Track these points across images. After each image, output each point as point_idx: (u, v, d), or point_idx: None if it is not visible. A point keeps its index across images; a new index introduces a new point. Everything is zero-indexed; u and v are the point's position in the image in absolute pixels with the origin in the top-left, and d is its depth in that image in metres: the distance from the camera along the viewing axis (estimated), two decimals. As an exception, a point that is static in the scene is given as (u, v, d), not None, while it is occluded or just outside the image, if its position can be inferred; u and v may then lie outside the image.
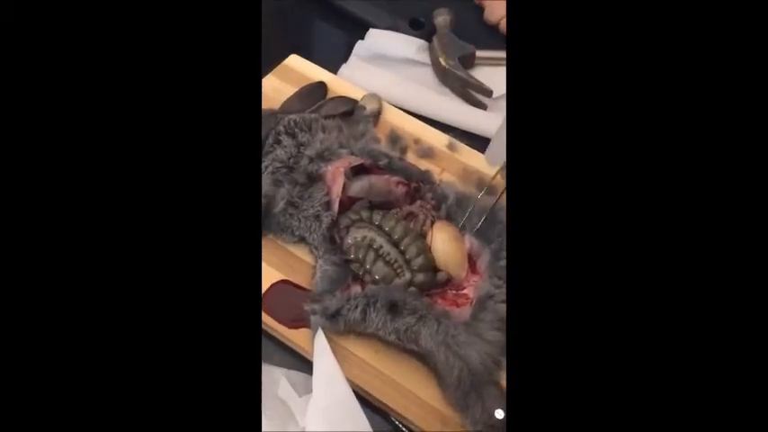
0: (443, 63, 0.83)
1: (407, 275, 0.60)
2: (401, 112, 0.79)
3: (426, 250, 0.61)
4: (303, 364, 0.59)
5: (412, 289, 0.59)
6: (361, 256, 0.61)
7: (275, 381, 0.57)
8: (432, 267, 0.61)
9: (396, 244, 0.61)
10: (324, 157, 0.65)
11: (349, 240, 0.62)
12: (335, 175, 0.64)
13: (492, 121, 0.79)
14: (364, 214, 0.63)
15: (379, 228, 0.61)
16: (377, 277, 0.60)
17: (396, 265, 0.60)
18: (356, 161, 0.66)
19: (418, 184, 0.67)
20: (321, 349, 0.55)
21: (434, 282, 0.61)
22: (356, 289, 0.60)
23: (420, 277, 0.60)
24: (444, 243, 0.62)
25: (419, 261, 0.60)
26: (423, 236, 0.62)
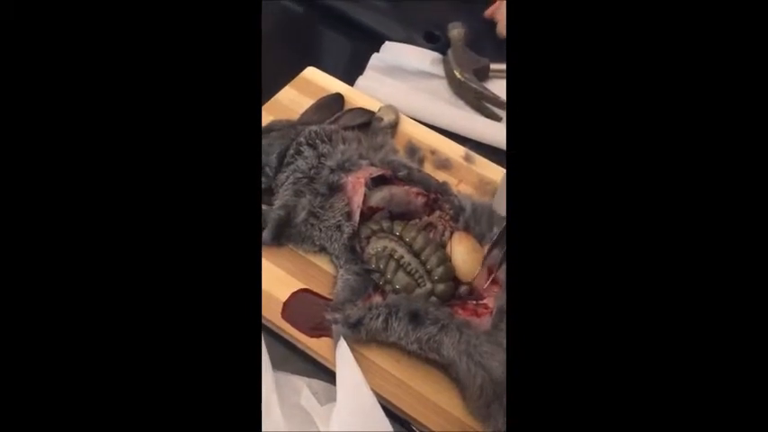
0: (458, 75, 0.84)
1: (428, 285, 0.60)
2: (417, 123, 0.79)
3: (447, 260, 0.61)
4: (324, 373, 0.59)
5: (433, 299, 0.60)
6: (382, 266, 0.61)
7: (297, 390, 0.57)
8: (452, 277, 0.61)
9: (416, 254, 0.61)
10: (344, 167, 0.66)
11: (370, 250, 0.62)
12: (356, 185, 0.65)
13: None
14: (385, 224, 0.63)
15: (400, 238, 0.62)
16: (398, 287, 0.61)
17: (417, 276, 0.61)
18: (376, 172, 0.66)
19: (437, 195, 0.68)
20: (344, 358, 0.56)
21: (456, 293, 0.61)
22: (377, 299, 0.60)
23: (441, 287, 0.60)
24: (464, 254, 0.62)
25: (440, 271, 0.60)
26: (443, 246, 0.63)
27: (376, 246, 0.62)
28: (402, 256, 0.61)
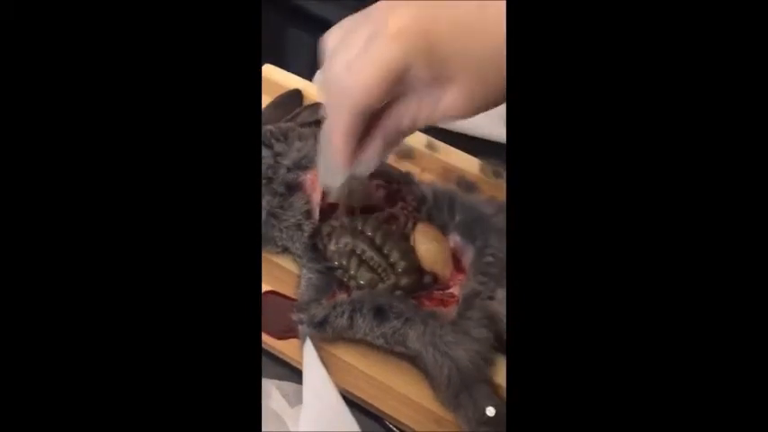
0: (418, 63, 0.83)
1: (392, 279, 0.60)
2: (378, 114, 0.78)
3: (410, 252, 0.61)
4: (294, 375, 0.59)
5: (398, 292, 0.59)
6: (344, 263, 0.61)
7: (267, 392, 0.57)
8: (416, 269, 0.61)
9: (378, 248, 0.61)
10: (302, 165, 0.65)
11: (332, 247, 0.62)
12: (314, 182, 0.64)
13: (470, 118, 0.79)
14: (345, 220, 0.63)
15: (362, 233, 0.61)
16: (362, 283, 0.60)
17: (380, 270, 0.60)
18: (334, 168, 0.65)
19: (399, 186, 0.67)
20: (309, 359, 0.56)
21: (420, 284, 0.61)
22: (342, 296, 0.60)
23: (405, 280, 0.60)
24: (427, 244, 0.62)
25: (403, 264, 0.60)
26: (405, 238, 0.62)
27: (337, 242, 0.62)
28: (364, 251, 0.61)
